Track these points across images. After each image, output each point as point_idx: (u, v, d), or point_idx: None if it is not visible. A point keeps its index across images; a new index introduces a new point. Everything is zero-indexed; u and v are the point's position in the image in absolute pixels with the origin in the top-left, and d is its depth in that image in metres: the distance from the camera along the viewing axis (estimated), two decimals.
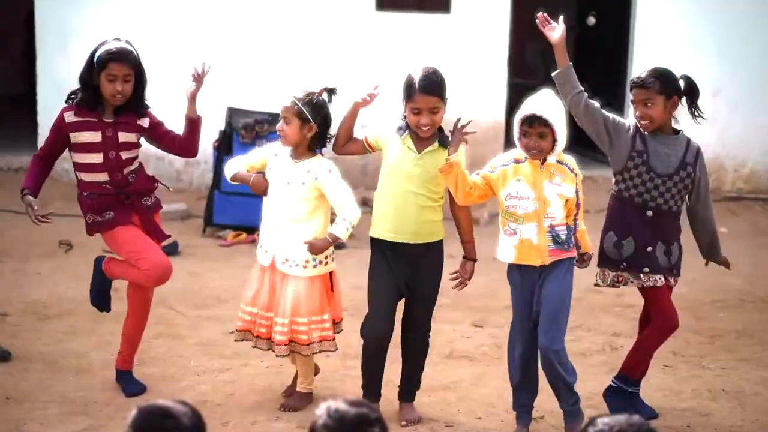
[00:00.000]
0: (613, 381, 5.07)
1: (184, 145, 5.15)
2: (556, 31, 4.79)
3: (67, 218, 7.69)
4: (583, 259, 4.87)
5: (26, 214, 5.01)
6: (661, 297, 4.93)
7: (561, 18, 4.84)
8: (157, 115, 5.15)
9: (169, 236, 5.24)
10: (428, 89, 4.72)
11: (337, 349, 5.02)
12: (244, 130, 8.30)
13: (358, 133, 5.01)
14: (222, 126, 8.49)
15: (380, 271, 4.89)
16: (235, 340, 5.13)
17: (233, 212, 8.19)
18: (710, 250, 5.10)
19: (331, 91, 4.95)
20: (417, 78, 4.74)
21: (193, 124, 5.11)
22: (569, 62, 4.80)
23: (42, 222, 4.97)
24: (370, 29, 9.81)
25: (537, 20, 4.82)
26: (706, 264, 5.23)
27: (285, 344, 4.89)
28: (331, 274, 5.00)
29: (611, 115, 4.93)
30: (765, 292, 7.40)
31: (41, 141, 9.63)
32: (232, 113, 8.46)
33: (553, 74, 4.82)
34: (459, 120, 4.65)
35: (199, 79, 5.06)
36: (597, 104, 4.89)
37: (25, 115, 10.23)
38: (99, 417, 4.92)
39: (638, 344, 5.05)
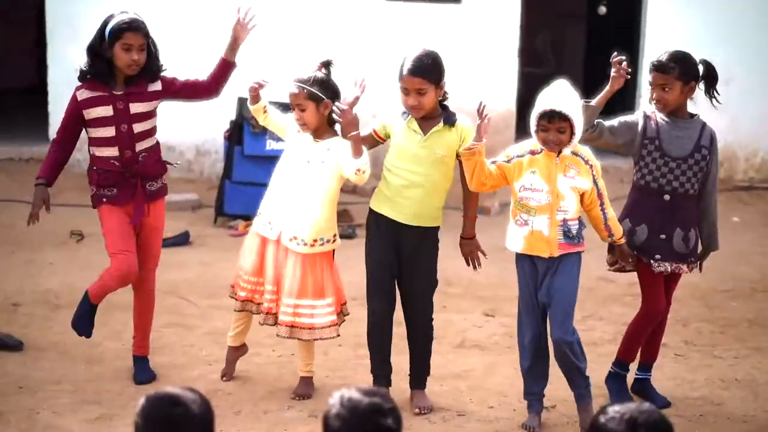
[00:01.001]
0: (611, 367, 5.16)
1: (209, 83, 5.18)
2: (622, 81, 4.79)
3: (78, 208, 7.72)
4: (622, 252, 4.86)
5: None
6: (654, 283, 4.97)
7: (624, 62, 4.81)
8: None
9: (144, 214, 5.13)
10: (414, 71, 4.73)
11: (339, 335, 5.03)
12: (255, 120, 8.26)
13: (370, 122, 5.01)
14: (233, 116, 8.49)
15: (375, 248, 4.91)
16: (235, 310, 5.13)
17: (244, 202, 8.17)
18: (710, 240, 5.09)
19: (327, 65, 4.96)
20: (408, 59, 4.75)
21: (226, 66, 5.17)
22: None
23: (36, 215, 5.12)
24: (381, 20, 9.78)
25: (612, 60, 4.79)
26: (700, 269, 5.17)
27: (287, 326, 4.91)
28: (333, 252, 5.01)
29: (617, 122, 4.93)
30: None
31: (52, 132, 9.71)
32: (243, 103, 8.44)
33: (584, 103, 4.71)
34: (483, 107, 4.56)
35: (244, 27, 5.16)
36: (605, 124, 4.87)
37: (36, 107, 10.24)
38: (111, 406, 4.94)
39: (627, 328, 5.13)
